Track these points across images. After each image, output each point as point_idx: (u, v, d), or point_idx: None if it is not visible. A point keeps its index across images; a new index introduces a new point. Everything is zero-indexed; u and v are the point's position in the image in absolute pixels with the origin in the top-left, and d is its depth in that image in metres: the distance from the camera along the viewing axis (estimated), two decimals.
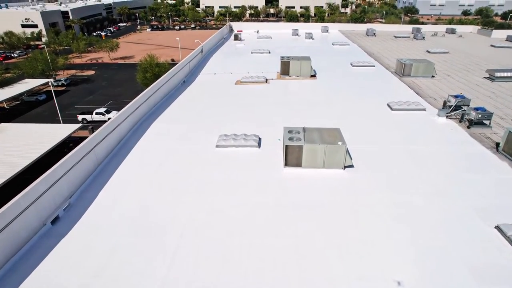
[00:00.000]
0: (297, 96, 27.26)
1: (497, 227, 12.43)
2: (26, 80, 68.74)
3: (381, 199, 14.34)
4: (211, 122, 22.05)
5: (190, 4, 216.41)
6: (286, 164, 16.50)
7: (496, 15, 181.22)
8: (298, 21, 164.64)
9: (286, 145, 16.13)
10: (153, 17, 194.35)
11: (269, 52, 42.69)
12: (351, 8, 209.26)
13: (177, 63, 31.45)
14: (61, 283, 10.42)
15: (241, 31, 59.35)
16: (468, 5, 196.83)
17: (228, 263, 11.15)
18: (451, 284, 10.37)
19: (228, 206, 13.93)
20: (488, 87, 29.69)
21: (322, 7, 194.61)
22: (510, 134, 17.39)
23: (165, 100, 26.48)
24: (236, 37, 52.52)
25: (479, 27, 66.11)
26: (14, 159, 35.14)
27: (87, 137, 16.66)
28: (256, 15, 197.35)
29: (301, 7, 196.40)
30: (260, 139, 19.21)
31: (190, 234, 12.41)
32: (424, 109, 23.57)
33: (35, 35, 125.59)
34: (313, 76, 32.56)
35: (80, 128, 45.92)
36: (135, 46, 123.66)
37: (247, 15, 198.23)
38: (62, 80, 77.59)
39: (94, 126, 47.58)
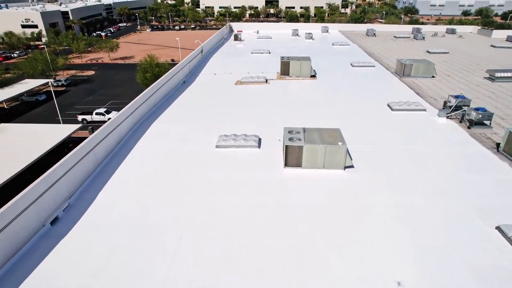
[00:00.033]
0: (297, 96, 27.24)
1: (498, 228, 12.40)
2: (26, 80, 68.78)
3: (381, 199, 14.31)
4: (211, 122, 22.03)
5: (190, 4, 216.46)
6: (286, 165, 16.47)
7: (496, 15, 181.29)
8: (298, 21, 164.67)
9: (286, 146, 16.11)
10: (153, 17, 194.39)
11: (269, 52, 42.67)
12: (351, 8, 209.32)
13: (177, 63, 31.43)
14: (60, 284, 10.39)
15: (241, 31, 59.32)
16: (468, 5, 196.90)
17: (228, 263, 11.13)
18: (451, 285, 10.35)
19: (228, 206, 13.90)
20: (489, 87, 29.66)
21: (322, 7, 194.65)
22: (511, 135, 17.36)
23: (165, 100, 26.46)
24: (236, 37, 52.51)
25: (479, 28, 66.08)
26: (14, 159, 35.14)
27: (87, 137, 16.63)
28: (256, 16, 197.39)
29: (301, 8, 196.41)
30: (260, 139, 19.18)
31: (190, 234, 12.39)
32: (425, 110, 23.54)
33: (35, 35, 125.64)
34: (313, 76, 32.54)
35: (80, 129, 45.92)
36: (135, 46, 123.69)
37: (247, 15, 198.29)
38: (62, 81, 77.61)
39: (94, 126, 47.56)
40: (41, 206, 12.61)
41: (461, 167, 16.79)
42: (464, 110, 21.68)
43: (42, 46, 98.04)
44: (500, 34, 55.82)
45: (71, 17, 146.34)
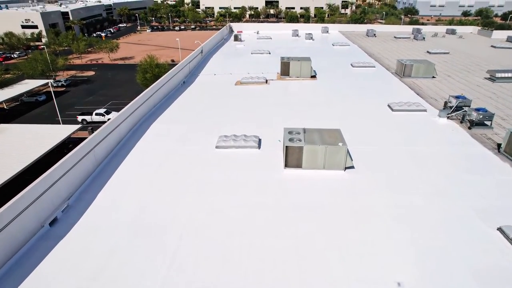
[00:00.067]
0: (297, 96, 27.18)
1: (500, 229, 12.32)
2: (26, 80, 68.80)
3: (382, 200, 14.25)
4: (211, 122, 21.97)
5: (190, 5, 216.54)
6: (286, 165, 16.41)
7: (496, 16, 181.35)
8: (298, 21, 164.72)
9: (286, 146, 16.04)
10: (153, 18, 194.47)
11: (269, 53, 42.62)
12: (351, 9, 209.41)
13: (177, 64, 31.38)
14: (59, 286, 10.32)
15: (241, 31, 59.28)
16: (468, 6, 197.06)
17: (228, 263, 11.08)
18: (451, 285, 10.30)
19: (228, 207, 13.85)
20: (489, 87, 29.60)
21: (322, 8, 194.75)
22: None
23: (164, 100, 26.41)
24: (236, 38, 52.46)
25: (479, 28, 66.03)
26: (14, 159, 35.09)
27: (86, 137, 16.57)
28: (256, 16, 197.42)
29: (301, 8, 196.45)
30: (260, 140, 19.12)
31: (190, 234, 12.33)
32: (425, 110, 23.48)
33: (35, 36, 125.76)
34: (313, 76, 32.48)
35: (79, 129, 45.87)
36: (135, 47, 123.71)
37: (247, 16, 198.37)
38: (62, 81, 77.63)
39: (93, 126, 47.50)
40: (39, 207, 12.54)
41: (462, 168, 16.72)
42: (465, 111, 21.61)
43: (42, 46, 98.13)
44: (500, 35, 55.76)
45: (71, 18, 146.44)
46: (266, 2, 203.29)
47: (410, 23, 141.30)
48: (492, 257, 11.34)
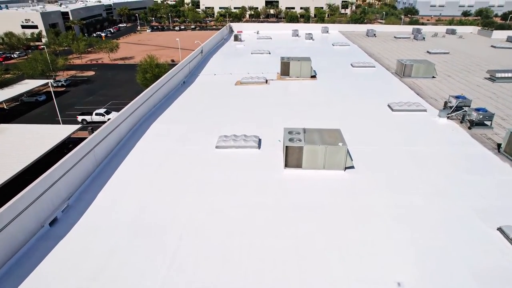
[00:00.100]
0: (297, 96, 27.17)
1: (500, 229, 12.32)
2: (26, 80, 68.80)
3: (382, 200, 14.25)
4: (211, 122, 21.96)
5: (190, 5, 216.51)
6: (286, 165, 16.40)
7: (496, 16, 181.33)
8: (298, 21, 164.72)
9: (286, 146, 16.04)
10: (153, 18, 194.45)
11: (269, 53, 42.62)
12: (351, 9, 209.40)
13: (177, 64, 31.37)
14: (59, 286, 10.31)
15: (241, 31, 59.26)
16: (468, 6, 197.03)
17: (228, 263, 11.07)
18: (451, 285, 10.29)
19: (228, 207, 13.84)
20: (489, 87, 29.60)
21: (322, 8, 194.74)
22: None
23: (164, 100, 26.40)
24: (236, 38, 52.45)
25: (479, 28, 66.01)
26: (14, 159, 35.08)
27: (86, 137, 16.56)
28: (256, 16, 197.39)
29: (301, 8, 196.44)
30: (260, 140, 19.11)
31: (190, 234, 12.33)
32: (425, 110, 23.47)
33: (35, 36, 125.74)
34: (313, 76, 32.48)
35: (79, 129, 45.87)
36: (135, 47, 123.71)
37: (247, 16, 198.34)
38: (62, 81, 77.62)
39: (93, 126, 47.49)
40: (39, 207, 12.53)
41: (462, 168, 16.72)
42: (465, 111, 21.60)
43: (42, 46, 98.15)
44: (500, 35, 55.75)
45: (71, 18, 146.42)
46: (266, 2, 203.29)
47: (410, 23, 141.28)
48: (492, 257, 11.34)
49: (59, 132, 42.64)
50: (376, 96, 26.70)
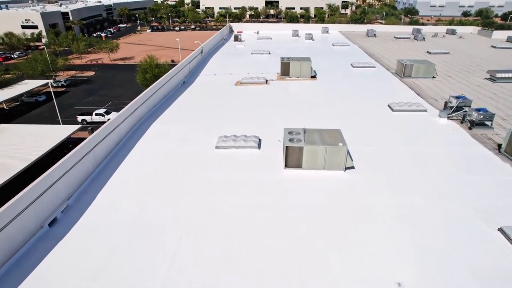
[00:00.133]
0: (297, 97, 27.15)
1: (501, 230, 12.28)
2: (26, 81, 68.84)
3: (382, 200, 14.22)
4: (211, 123, 21.93)
5: (190, 5, 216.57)
6: (286, 166, 16.37)
7: (496, 16, 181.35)
8: (298, 22, 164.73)
9: (286, 146, 16.01)
10: (153, 18, 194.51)
11: (269, 53, 42.60)
12: (351, 9, 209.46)
13: (177, 64, 31.35)
14: (59, 286, 10.28)
15: (241, 32, 59.25)
16: (468, 6, 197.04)
17: (228, 263, 11.05)
18: (452, 286, 10.26)
19: (228, 207, 13.81)
20: (490, 88, 29.57)
21: (322, 8, 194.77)
22: None
23: (164, 101, 26.37)
24: (236, 38, 52.43)
25: (479, 28, 66.00)
26: (14, 160, 35.07)
27: (86, 138, 16.53)
28: (256, 16, 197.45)
29: (301, 8, 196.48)
30: (260, 140, 19.08)
31: (190, 234, 12.30)
32: (425, 110, 23.44)
33: (35, 36, 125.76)
34: (314, 77, 32.45)
35: (79, 129, 45.85)
36: (135, 47, 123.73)
37: (247, 16, 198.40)
38: (62, 81, 77.62)
39: (93, 127, 47.48)
40: (39, 207, 12.50)
41: (462, 168, 16.69)
42: (465, 111, 21.58)
43: (42, 46, 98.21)
44: (500, 35, 55.74)
45: (71, 18, 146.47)
46: (266, 2, 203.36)
47: (410, 23, 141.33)
48: (493, 257, 11.31)
49: (59, 132, 42.65)
50: (376, 96, 26.68)
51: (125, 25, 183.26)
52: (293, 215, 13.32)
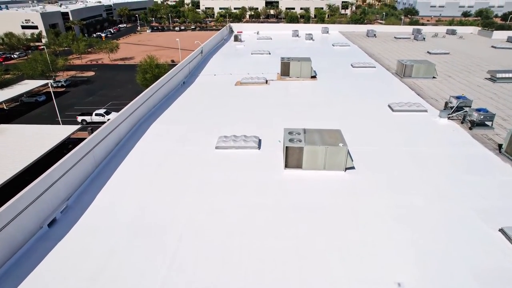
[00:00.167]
0: (298, 97, 27.11)
1: (501, 230, 12.24)
2: (26, 81, 68.83)
3: (382, 200, 14.18)
4: (211, 123, 21.90)
5: (190, 5, 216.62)
6: (286, 166, 16.33)
7: (496, 16, 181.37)
8: (298, 22, 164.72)
9: (286, 147, 15.97)
10: (153, 18, 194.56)
11: (269, 53, 42.57)
12: (351, 9, 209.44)
13: (177, 64, 31.32)
14: (58, 286, 10.24)
15: (241, 32, 59.24)
16: (468, 7, 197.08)
17: (228, 264, 11.02)
18: (452, 286, 10.22)
19: (228, 207, 13.77)
20: (490, 88, 29.54)
21: (322, 8, 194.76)
22: None
23: (164, 101, 26.34)
24: (236, 38, 52.41)
25: (479, 28, 65.97)
26: (13, 160, 35.03)
27: (86, 138, 16.49)
28: (256, 17, 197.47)
29: (301, 9, 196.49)
30: (260, 140, 19.04)
31: (190, 235, 12.27)
32: (426, 110, 23.40)
33: (35, 36, 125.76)
34: (314, 77, 32.42)
35: (79, 129, 45.82)
36: (135, 47, 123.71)
37: (247, 16, 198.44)
38: (61, 81, 77.58)
39: (93, 127, 47.44)
40: (38, 208, 12.46)
41: (463, 169, 16.65)
42: (466, 111, 21.54)
43: (42, 47, 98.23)
44: (500, 35, 55.72)
45: (71, 18, 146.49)
46: (266, 2, 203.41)
47: (410, 23, 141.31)
48: (494, 258, 11.27)
49: (58, 132, 42.62)
50: (376, 97, 26.64)
51: (125, 25, 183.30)
52: (293, 215, 13.28)
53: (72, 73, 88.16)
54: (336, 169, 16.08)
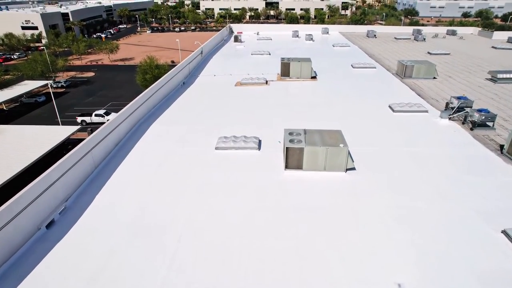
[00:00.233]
0: (298, 97, 27.03)
1: (504, 232, 12.14)
2: (26, 81, 68.80)
3: (383, 201, 14.10)
4: (211, 123, 21.81)
5: (190, 6, 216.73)
6: (286, 167, 16.23)
7: (496, 17, 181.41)
8: (298, 23, 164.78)
9: (286, 147, 15.88)
10: (153, 19, 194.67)
11: (269, 54, 42.51)
12: (351, 10, 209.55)
13: (177, 65, 31.24)
14: (58, 287, 10.15)
15: (241, 32, 59.23)
16: (468, 7, 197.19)
17: (228, 264, 10.95)
18: (452, 287, 10.11)
19: (228, 208, 13.69)
20: (491, 88, 29.46)
21: (322, 9, 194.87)
22: None
23: (164, 101, 26.26)
24: (236, 39, 52.34)
25: (479, 29, 65.93)
26: (13, 160, 34.98)
27: (86, 138, 16.41)
28: (256, 17, 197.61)
29: (301, 9, 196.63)
30: (260, 141, 18.96)
31: (190, 235, 12.19)
32: (426, 111, 23.31)
33: (35, 37, 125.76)
34: (314, 77, 32.35)
35: (79, 130, 45.74)
36: (135, 48, 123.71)
37: (247, 17, 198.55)
38: (61, 82, 77.54)
39: (93, 127, 47.36)
40: (36, 209, 12.37)
41: (464, 169, 16.56)
42: (467, 112, 21.46)
43: (42, 47, 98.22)
44: (501, 36, 55.69)
45: (71, 19, 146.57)
46: (266, 3, 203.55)
47: (410, 24, 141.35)
48: (496, 259, 11.17)
49: (58, 133, 42.56)
50: (377, 97, 26.57)
51: (125, 26, 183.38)
52: (294, 216, 13.19)
53: (72, 73, 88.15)
54: (337, 170, 15.99)
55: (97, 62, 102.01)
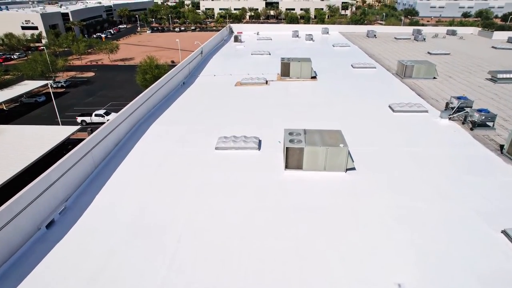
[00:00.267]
0: (298, 97, 27.02)
1: (504, 232, 12.13)
2: (25, 82, 68.79)
3: (383, 201, 14.09)
4: (211, 124, 21.81)
5: (190, 6, 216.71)
6: (286, 167, 16.22)
7: (496, 17, 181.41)
8: (298, 23, 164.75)
9: (286, 147, 15.87)
10: (153, 19, 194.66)
11: (269, 54, 42.51)
12: (351, 10, 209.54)
13: (177, 65, 31.23)
14: (58, 287, 10.15)
15: (241, 32, 59.22)
16: (468, 7, 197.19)
17: (227, 264, 10.94)
18: (452, 287, 10.11)
19: (228, 208, 13.68)
20: (491, 88, 29.45)
21: (322, 9, 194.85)
22: None
23: (164, 101, 26.25)
24: (236, 39, 52.32)
25: (479, 29, 65.92)
26: (13, 161, 34.96)
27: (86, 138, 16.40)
28: (256, 17, 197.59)
29: (301, 9, 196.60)
30: (260, 141, 18.95)
31: (190, 236, 12.18)
32: (426, 111, 23.31)
33: (35, 37, 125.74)
34: (314, 77, 32.34)
35: (79, 130, 45.73)
36: (135, 48, 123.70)
37: (247, 17, 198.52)
38: (61, 82, 77.53)
39: (93, 127, 47.35)
40: (36, 209, 12.37)
41: (464, 169, 16.55)
42: (467, 112, 21.45)
43: (42, 47, 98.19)
44: (501, 36, 55.69)
45: (71, 19, 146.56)
46: (266, 3, 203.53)
47: (410, 24, 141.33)
48: (496, 259, 11.17)
49: (58, 133, 42.55)
50: (377, 97, 26.56)
51: (125, 26, 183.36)
52: (294, 216, 13.19)
53: (72, 73, 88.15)
54: (337, 170, 15.99)
55: (97, 62, 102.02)
